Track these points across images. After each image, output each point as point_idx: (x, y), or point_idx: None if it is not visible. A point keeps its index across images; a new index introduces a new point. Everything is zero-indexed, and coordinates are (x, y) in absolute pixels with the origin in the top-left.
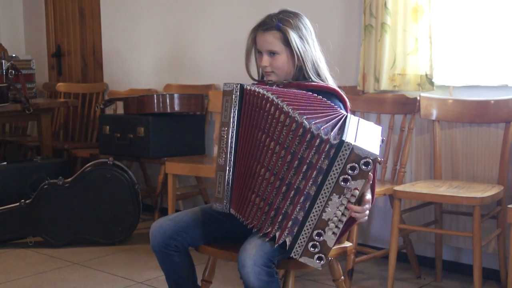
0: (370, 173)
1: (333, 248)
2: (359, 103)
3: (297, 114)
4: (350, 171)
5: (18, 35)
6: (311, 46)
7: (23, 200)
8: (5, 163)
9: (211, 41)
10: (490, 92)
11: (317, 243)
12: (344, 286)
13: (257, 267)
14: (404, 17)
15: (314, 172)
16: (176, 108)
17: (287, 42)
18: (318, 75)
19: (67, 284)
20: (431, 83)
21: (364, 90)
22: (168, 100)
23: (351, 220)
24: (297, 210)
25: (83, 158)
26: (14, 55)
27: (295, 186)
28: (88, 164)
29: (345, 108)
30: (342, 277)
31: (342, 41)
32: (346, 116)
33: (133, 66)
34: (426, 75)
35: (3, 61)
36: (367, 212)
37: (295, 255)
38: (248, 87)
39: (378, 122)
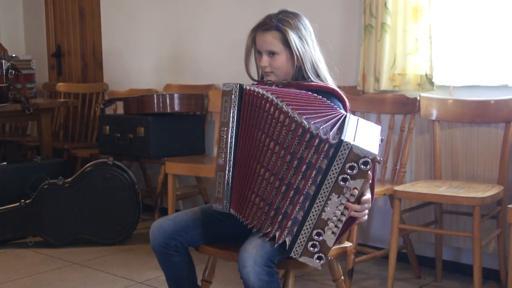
0: (369, 173)
1: (333, 248)
2: (359, 103)
3: (296, 114)
4: (349, 171)
5: (18, 35)
6: (310, 46)
7: (23, 200)
8: (5, 163)
9: (211, 41)
10: (490, 92)
11: (317, 242)
12: (344, 286)
13: (258, 267)
14: (404, 17)
15: (314, 172)
16: (176, 108)
17: (286, 43)
18: (318, 75)
19: (67, 284)
20: (431, 83)
21: (364, 90)
22: (168, 100)
23: (351, 220)
24: (297, 209)
25: (83, 158)
26: (14, 55)
27: (295, 186)
28: (88, 164)
29: (345, 108)
30: (342, 277)
31: (342, 41)
32: (346, 116)
33: (133, 66)
34: (426, 75)
35: (3, 61)
36: (367, 211)
37: (294, 255)
38: (248, 87)
39: (378, 122)
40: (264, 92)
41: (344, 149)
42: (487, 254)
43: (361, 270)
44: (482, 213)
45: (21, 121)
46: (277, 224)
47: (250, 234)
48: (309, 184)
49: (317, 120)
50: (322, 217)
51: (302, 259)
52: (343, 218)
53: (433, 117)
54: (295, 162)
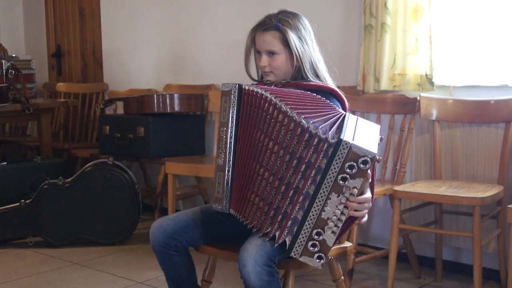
0: (368, 172)
1: (333, 248)
2: (359, 103)
3: (295, 114)
4: (348, 170)
5: (18, 35)
6: (310, 46)
7: (23, 200)
8: (5, 163)
9: (211, 41)
10: (490, 92)
11: (317, 242)
12: (344, 286)
13: (258, 267)
14: (404, 17)
15: (313, 171)
16: (176, 108)
17: (286, 43)
18: (317, 75)
19: (67, 284)
20: (431, 83)
21: (364, 90)
22: (168, 100)
23: (351, 220)
24: (297, 209)
25: (83, 158)
26: (14, 55)
27: (294, 186)
28: (88, 164)
29: (344, 108)
30: (342, 277)
31: (342, 41)
32: (345, 115)
33: (133, 66)
34: (426, 75)
35: (3, 61)
36: (366, 210)
37: (295, 255)
38: (247, 87)
39: (378, 122)
40: (263, 92)
41: (343, 148)
42: (487, 254)
43: (361, 270)
44: (482, 213)
45: (21, 121)
46: (277, 224)
47: (250, 234)
48: (308, 184)
49: (316, 120)
50: (322, 216)
51: (302, 259)
52: (343, 218)
53: (433, 117)
54: (294, 161)
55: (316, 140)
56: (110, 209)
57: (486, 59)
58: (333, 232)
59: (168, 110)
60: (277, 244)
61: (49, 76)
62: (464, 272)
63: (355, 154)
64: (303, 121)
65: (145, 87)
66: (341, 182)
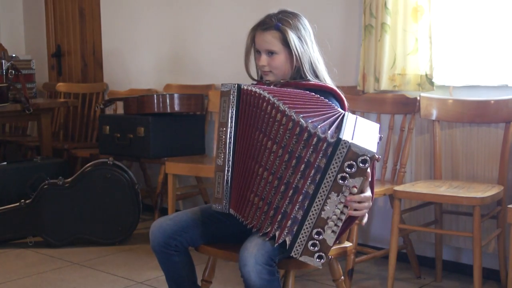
0: (368, 171)
1: (333, 248)
2: (359, 103)
3: (293, 113)
4: (347, 169)
5: (18, 35)
6: (309, 46)
7: (23, 200)
8: (5, 163)
9: (211, 41)
10: (490, 92)
11: (317, 241)
12: (344, 286)
13: (259, 266)
14: (404, 17)
15: (312, 171)
16: (176, 108)
17: (285, 42)
18: (316, 76)
19: (67, 284)
20: (431, 83)
21: (364, 90)
22: (168, 100)
23: (351, 219)
24: (296, 209)
25: (83, 158)
26: (14, 55)
27: (294, 185)
28: (88, 164)
29: (343, 107)
30: (342, 277)
31: (342, 41)
32: (344, 114)
33: (133, 66)
34: (426, 75)
35: (3, 61)
36: (366, 210)
37: (295, 254)
38: (245, 87)
39: (378, 122)
40: (261, 92)
41: (343, 148)
42: (487, 254)
43: (361, 270)
44: (482, 213)
45: (21, 121)
46: (276, 223)
47: (250, 234)
48: (308, 183)
49: (314, 119)
50: (322, 216)
51: (302, 259)
52: (343, 217)
53: (433, 117)
54: (294, 161)
55: (315, 139)
56: (110, 209)
57: (486, 59)
58: (333, 231)
59: (168, 110)
60: (277, 244)
61: (49, 76)
62: (464, 272)
63: (354, 153)
64: (302, 120)
65: (145, 87)
66: (340, 181)
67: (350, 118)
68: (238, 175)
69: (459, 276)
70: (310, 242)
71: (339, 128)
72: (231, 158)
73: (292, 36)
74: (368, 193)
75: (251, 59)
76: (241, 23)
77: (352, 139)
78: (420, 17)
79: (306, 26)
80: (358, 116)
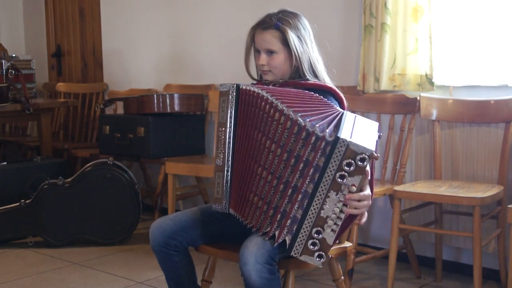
0: (367, 169)
1: (333, 248)
2: (359, 103)
3: (291, 112)
4: (346, 168)
5: (18, 35)
6: (309, 46)
7: (23, 200)
8: (5, 163)
9: (211, 41)
10: (490, 92)
11: (317, 240)
12: (344, 286)
13: (259, 265)
14: (404, 17)
15: (311, 170)
16: (176, 108)
17: (285, 42)
18: (316, 75)
19: (67, 284)
20: (431, 83)
21: (364, 90)
22: (168, 100)
23: (350, 218)
24: (296, 208)
25: (83, 158)
26: (14, 55)
27: (293, 184)
28: (88, 164)
29: (342, 107)
30: (342, 277)
31: (342, 41)
32: (343, 113)
33: (133, 66)
34: (426, 75)
35: (3, 61)
36: (366, 208)
37: (295, 254)
38: (244, 87)
39: (378, 122)
40: (260, 91)
41: (341, 146)
42: (487, 254)
43: (361, 270)
44: (482, 213)
45: (21, 121)
46: (276, 223)
47: (250, 233)
48: (307, 182)
49: (313, 118)
50: (321, 215)
51: (302, 258)
52: (342, 216)
53: (433, 117)
54: (292, 160)
55: (313, 138)
56: (110, 209)
57: (486, 59)
58: (332, 230)
59: (168, 110)
60: (277, 243)
61: (49, 76)
62: (464, 272)
63: (352, 152)
64: (300, 119)
65: (145, 87)
66: (339, 180)
67: (348, 117)
68: (238, 175)
69: (459, 276)
70: (310, 241)
71: (337, 126)
72: (230, 158)
73: (291, 36)
74: (367, 191)
75: (251, 58)
76: (241, 23)
77: (350, 138)
78: (420, 17)
79: (306, 26)
80: (357, 115)
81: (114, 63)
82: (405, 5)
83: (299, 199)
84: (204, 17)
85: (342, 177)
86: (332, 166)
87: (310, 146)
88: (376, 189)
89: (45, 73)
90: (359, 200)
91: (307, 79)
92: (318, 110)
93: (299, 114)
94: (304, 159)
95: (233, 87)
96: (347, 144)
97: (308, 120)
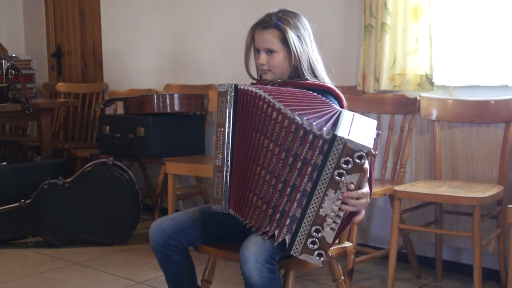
0: (366, 167)
1: (333, 248)
2: (359, 103)
3: (288, 111)
4: (344, 165)
5: (18, 35)
6: (308, 46)
7: (23, 200)
8: (5, 163)
9: (211, 41)
10: (490, 92)
11: (316, 239)
12: (344, 286)
13: (259, 264)
14: (404, 17)
15: (309, 168)
16: (176, 108)
17: (285, 41)
18: (315, 75)
19: (67, 284)
20: (431, 83)
21: (364, 90)
22: (168, 100)
23: (350, 216)
24: (295, 207)
25: (83, 158)
26: (14, 55)
27: (291, 183)
28: (88, 164)
29: (341, 106)
30: (342, 277)
31: (342, 41)
32: (341, 111)
33: (133, 66)
34: (426, 75)
35: (3, 61)
36: (364, 206)
37: (294, 253)
38: (242, 87)
39: (378, 122)
40: (257, 91)
41: (338, 144)
42: (487, 254)
43: (361, 270)
44: (482, 213)
45: (21, 121)
46: (275, 222)
47: (250, 233)
48: (305, 181)
49: (310, 116)
50: (320, 213)
51: (302, 257)
52: (341, 214)
53: (433, 117)
54: (290, 159)
55: (311, 136)
56: (110, 209)
57: (486, 59)
58: (332, 228)
59: (168, 110)
60: (276, 243)
61: (49, 76)
62: (464, 272)
63: (350, 150)
64: (297, 118)
65: (145, 87)
66: (337, 178)
67: (346, 115)
68: (237, 175)
69: (459, 276)
70: (309, 240)
71: (335, 124)
72: (229, 158)
73: (291, 35)
74: (366, 189)
75: (251, 58)
76: (241, 23)
77: (348, 135)
78: (420, 17)
79: (306, 26)
80: (355, 113)
81: (114, 63)
82: (405, 5)
83: (297, 198)
84: (204, 17)
85: (340, 175)
86: (330, 164)
87: (308, 144)
88: (376, 189)
89: (45, 73)
90: (357, 198)
91: (306, 79)
92: (316, 109)
93: (297, 113)
94: (302, 157)
95: (231, 87)
96: (345, 142)
97: (305, 118)
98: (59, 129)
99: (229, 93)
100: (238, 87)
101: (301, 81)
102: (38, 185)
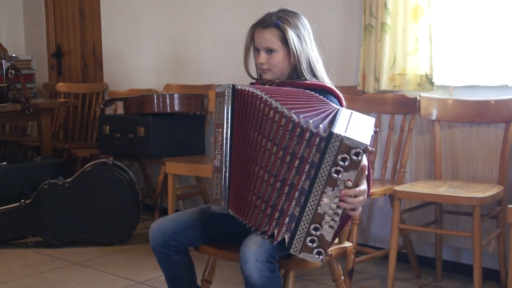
0: (363, 164)
1: (333, 248)
2: (359, 103)
3: (286, 109)
4: (341, 163)
5: (18, 35)
6: (308, 45)
7: (23, 200)
8: (5, 163)
9: (211, 41)
10: (490, 92)
11: (315, 237)
12: (344, 286)
13: (259, 263)
14: (404, 17)
15: (307, 166)
16: (176, 108)
17: (284, 40)
18: (314, 75)
19: (67, 284)
20: (431, 83)
21: (364, 90)
22: (168, 100)
23: (348, 214)
24: (293, 205)
25: (83, 158)
26: (14, 55)
27: (289, 182)
28: (88, 164)
29: (340, 105)
30: (342, 277)
31: (342, 41)
32: (338, 110)
33: (133, 66)
34: (426, 75)
35: (3, 61)
36: (361, 204)
37: (294, 251)
38: (240, 87)
39: (378, 122)
40: (254, 90)
41: (335, 141)
42: (487, 254)
43: (361, 270)
44: (482, 213)
45: (21, 121)
46: (274, 221)
47: (250, 233)
48: (303, 179)
49: (307, 114)
50: (318, 211)
51: (301, 255)
52: (339, 211)
53: (433, 117)
54: (288, 157)
55: (307, 134)
56: (110, 209)
57: (486, 59)
58: (330, 226)
59: (168, 110)
60: (276, 242)
61: (49, 76)
62: (464, 272)
63: (347, 146)
64: (294, 116)
65: (145, 87)
66: (334, 175)
67: (344, 113)
68: (236, 175)
69: (459, 276)
70: (308, 238)
71: (332, 122)
72: (228, 159)
73: (291, 34)
74: (363, 186)
75: (250, 57)
76: (241, 23)
77: (345, 133)
78: (420, 17)
79: (306, 25)
80: (353, 111)
81: (114, 63)
82: (405, 5)
83: (296, 196)
84: (204, 17)
85: (337, 172)
86: (327, 162)
87: (305, 142)
88: (376, 189)
89: (45, 73)
90: (355, 196)
91: (304, 79)
92: (313, 107)
93: (294, 111)
94: (299, 155)
95: (228, 87)
96: (341, 139)
97: (302, 116)
98: (59, 129)
99: (226, 93)
100: (236, 88)
101: (299, 82)
102: (38, 185)
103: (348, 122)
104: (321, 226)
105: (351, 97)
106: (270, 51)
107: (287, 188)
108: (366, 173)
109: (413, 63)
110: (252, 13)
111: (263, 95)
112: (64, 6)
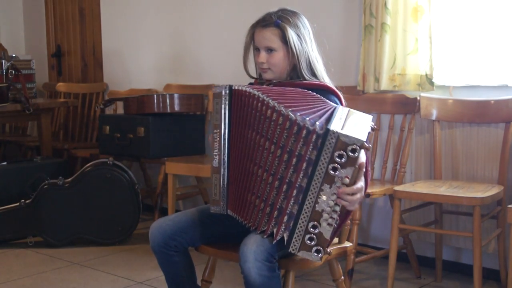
0: (361, 160)
1: (333, 248)
2: (359, 103)
3: (282, 108)
4: (338, 159)
5: (18, 35)
6: (308, 45)
7: (23, 200)
8: (5, 163)
9: (211, 41)
10: (490, 92)
11: (314, 235)
12: (344, 286)
13: (259, 262)
14: (404, 17)
15: (304, 164)
16: (176, 108)
17: (284, 39)
18: (314, 75)
19: (67, 284)
20: (431, 83)
21: (364, 90)
22: (168, 100)
23: (347, 211)
24: (291, 204)
25: (83, 158)
26: (14, 55)
27: (287, 180)
28: (88, 164)
29: (340, 104)
30: (342, 277)
31: (342, 41)
32: (335, 107)
33: (133, 66)
34: (426, 75)
35: (3, 61)
36: (358, 201)
37: (293, 250)
38: (237, 87)
39: (378, 122)
40: (251, 90)
41: (331, 138)
42: (487, 254)
43: (361, 270)
44: (482, 213)
45: (21, 121)
46: (273, 220)
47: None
48: (301, 177)
49: (304, 112)
50: (316, 209)
51: (300, 254)
52: (337, 209)
53: (433, 117)
54: (285, 156)
55: (304, 132)
56: (110, 209)
57: (486, 59)
58: (329, 224)
59: (168, 110)
60: (275, 241)
61: (49, 76)
62: (464, 272)
63: (343, 143)
64: (291, 114)
65: (145, 87)
66: (332, 172)
67: (341, 110)
68: (234, 175)
69: (459, 276)
70: (307, 236)
71: (328, 119)
72: (226, 159)
73: (291, 33)
74: (360, 184)
75: (249, 56)
76: (241, 23)
77: (341, 130)
78: (420, 17)
79: (306, 25)
80: (350, 109)
81: (114, 63)
82: (405, 5)
83: (294, 194)
84: (204, 17)
85: (334, 169)
86: (324, 159)
87: (302, 140)
88: (376, 189)
89: (45, 73)
90: (352, 194)
91: (304, 79)
92: (310, 105)
93: (290, 110)
94: (296, 153)
95: (225, 88)
96: (338, 136)
97: (299, 114)
98: (59, 129)
99: (223, 94)
100: (233, 88)
101: (297, 82)
102: (38, 185)
103: (345, 120)
104: (320, 223)
105: (351, 97)
106: (270, 50)
107: (285, 186)
108: (364, 170)
109: (413, 63)
110: (252, 13)
111: (260, 94)
112: (64, 6)
